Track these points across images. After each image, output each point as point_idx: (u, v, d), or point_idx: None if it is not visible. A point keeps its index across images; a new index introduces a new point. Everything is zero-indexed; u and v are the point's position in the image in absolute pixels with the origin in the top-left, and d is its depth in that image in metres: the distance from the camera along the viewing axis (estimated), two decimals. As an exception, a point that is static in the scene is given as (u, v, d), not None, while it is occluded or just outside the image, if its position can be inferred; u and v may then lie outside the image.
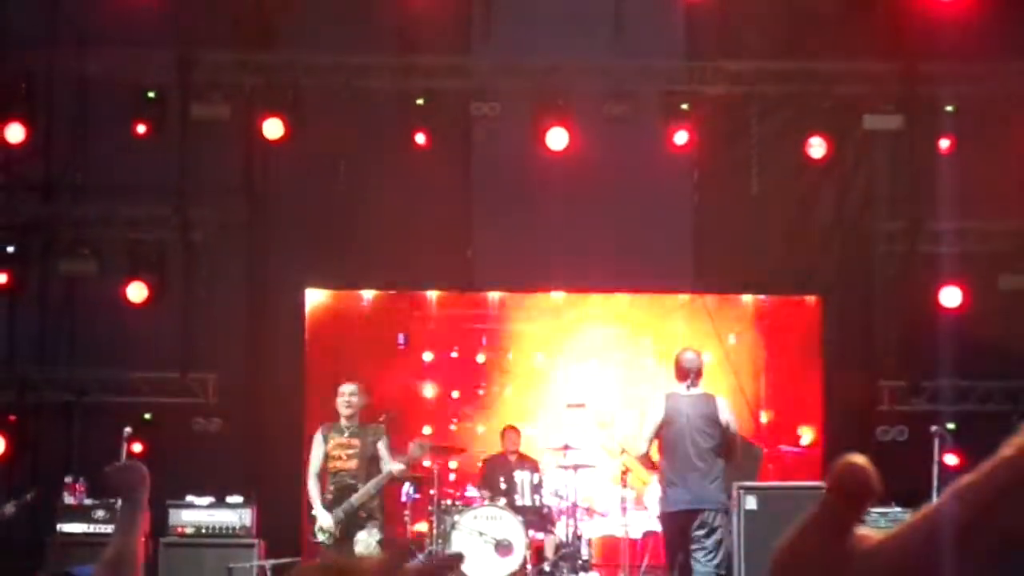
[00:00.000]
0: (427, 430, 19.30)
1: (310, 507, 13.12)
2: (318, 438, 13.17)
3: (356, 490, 12.83)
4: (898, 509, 14.27)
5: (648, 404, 12.48)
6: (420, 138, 16.10)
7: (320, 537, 12.97)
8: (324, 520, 12.89)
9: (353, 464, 12.93)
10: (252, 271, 16.41)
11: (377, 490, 12.96)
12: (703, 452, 12.26)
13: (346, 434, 13.02)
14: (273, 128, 15.83)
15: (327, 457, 13.04)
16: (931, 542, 2.20)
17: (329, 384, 14.01)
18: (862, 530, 2.33)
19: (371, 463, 12.94)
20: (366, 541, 12.76)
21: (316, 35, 16.24)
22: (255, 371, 16.26)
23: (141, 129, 15.79)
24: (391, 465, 13.01)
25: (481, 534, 14.65)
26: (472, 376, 20.87)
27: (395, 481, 13.54)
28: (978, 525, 2.17)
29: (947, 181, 15.98)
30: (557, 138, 15.87)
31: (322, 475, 13.07)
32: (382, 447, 13.00)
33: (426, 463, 16.31)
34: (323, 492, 13.00)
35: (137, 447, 15.13)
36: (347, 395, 13.19)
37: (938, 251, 16.15)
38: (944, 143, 15.89)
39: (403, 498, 15.75)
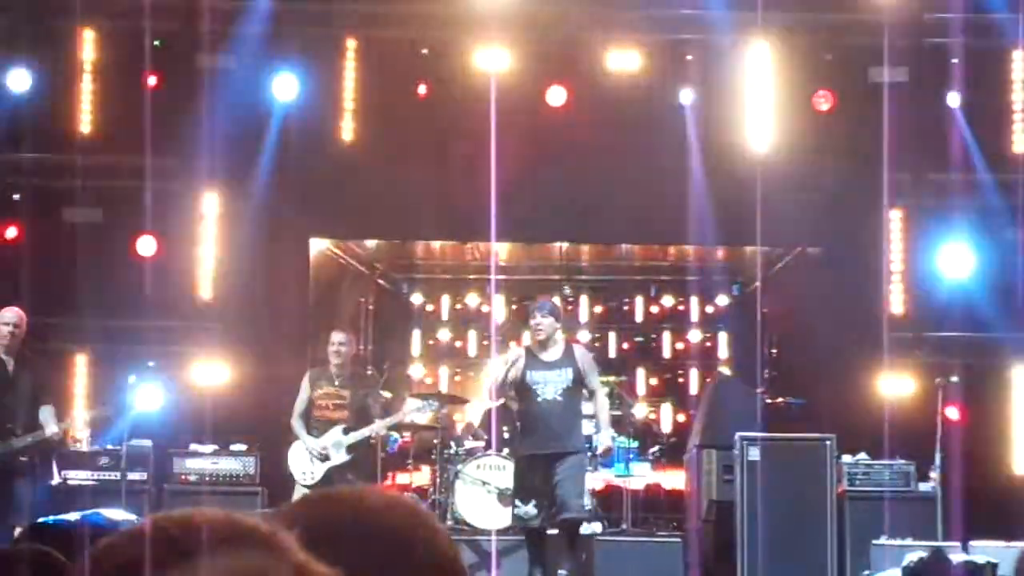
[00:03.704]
0: (429, 380, 19.36)
1: (293, 444, 12.84)
2: (305, 382, 12.94)
3: (347, 434, 12.58)
4: (902, 461, 14.32)
5: None
6: (424, 88, 16.07)
7: (300, 478, 12.68)
8: (321, 441, 12.55)
9: (342, 415, 12.67)
10: (257, 220, 16.37)
11: (372, 434, 12.72)
12: None
13: (336, 383, 12.75)
14: (281, 79, 15.89)
15: (313, 404, 12.78)
16: None
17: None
18: None
19: (359, 415, 12.74)
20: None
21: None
22: (259, 320, 16.25)
23: (149, 81, 15.75)
24: (389, 418, 12.94)
25: (484, 483, 14.69)
26: (477, 326, 20.93)
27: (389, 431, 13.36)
28: None
29: (953, 134, 15.94)
30: (557, 96, 15.91)
31: (305, 420, 12.81)
32: (371, 401, 12.83)
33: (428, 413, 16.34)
34: (308, 432, 12.79)
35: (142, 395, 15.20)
36: (336, 344, 12.99)
37: (944, 204, 16.12)
38: (950, 95, 15.85)
39: (388, 448, 15.79)
